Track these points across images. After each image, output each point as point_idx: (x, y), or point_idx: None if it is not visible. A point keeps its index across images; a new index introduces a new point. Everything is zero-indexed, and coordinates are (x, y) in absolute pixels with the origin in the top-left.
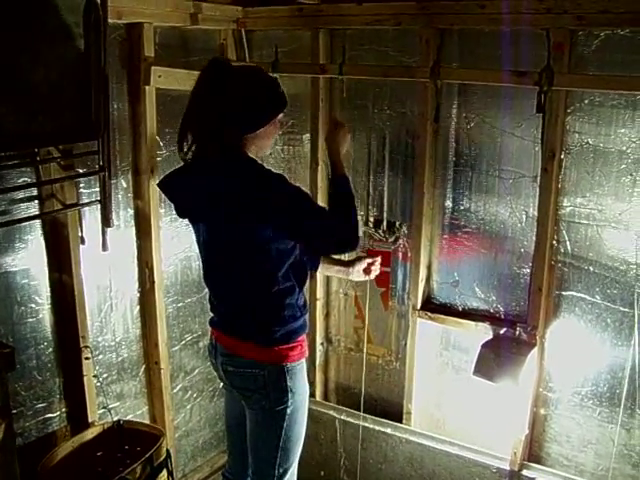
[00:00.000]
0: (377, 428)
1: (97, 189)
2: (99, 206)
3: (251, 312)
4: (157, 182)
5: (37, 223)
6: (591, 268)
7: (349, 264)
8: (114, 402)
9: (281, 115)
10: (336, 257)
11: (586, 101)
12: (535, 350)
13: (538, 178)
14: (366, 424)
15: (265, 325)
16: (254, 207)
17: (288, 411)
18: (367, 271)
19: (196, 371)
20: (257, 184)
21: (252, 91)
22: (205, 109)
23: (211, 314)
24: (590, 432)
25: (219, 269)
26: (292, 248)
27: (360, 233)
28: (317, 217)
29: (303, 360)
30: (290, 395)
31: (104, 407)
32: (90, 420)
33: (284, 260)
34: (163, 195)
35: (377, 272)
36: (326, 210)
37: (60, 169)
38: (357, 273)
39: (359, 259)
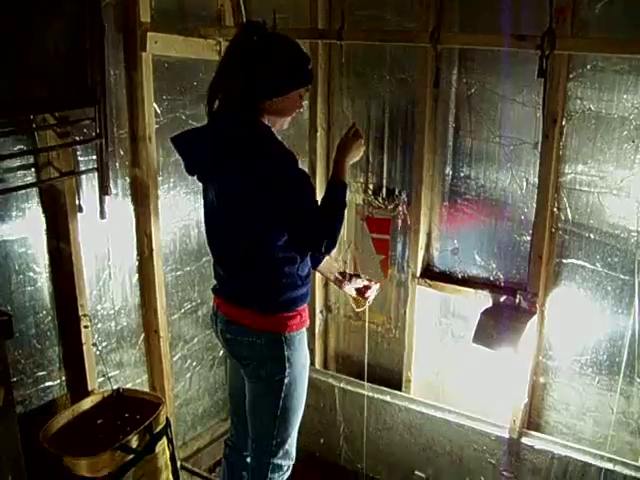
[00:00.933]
0: (376, 396)
1: (94, 157)
2: (96, 174)
3: (250, 278)
4: (171, 137)
5: (34, 191)
6: (592, 236)
7: (348, 276)
8: (114, 370)
9: (303, 91)
10: (337, 267)
11: (588, 66)
12: (535, 318)
13: (539, 145)
14: (365, 392)
15: (263, 292)
16: (255, 179)
17: (286, 381)
18: (362, 293)
19: (195, 340)
20: (263, 157)
21: (280, 57)
22: (232, 69)
23: (214, 281)
24: (589, 400)
25: (221, 232)
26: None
27: (333, 250)
28: (306, 208)
29: (303, 330)
30: (288, 365)
31: (104, 375)
32: (90, 388)
33: (286, 229)
34: (161, 162)
35: (372, 298)
36: (317, 206)
37: (56, 137)
38: (351, 289)
39: (358, 276)
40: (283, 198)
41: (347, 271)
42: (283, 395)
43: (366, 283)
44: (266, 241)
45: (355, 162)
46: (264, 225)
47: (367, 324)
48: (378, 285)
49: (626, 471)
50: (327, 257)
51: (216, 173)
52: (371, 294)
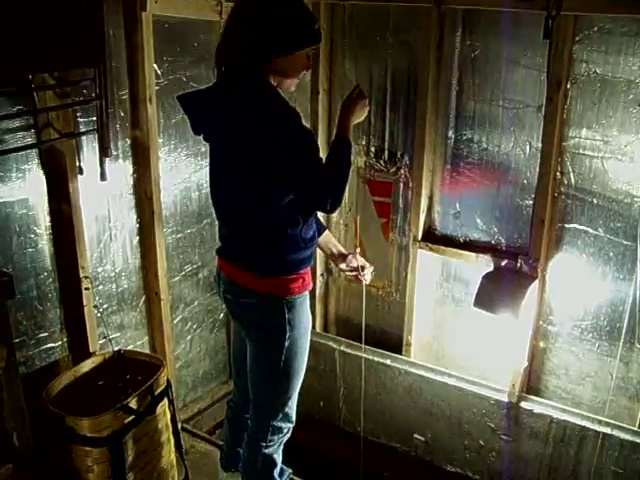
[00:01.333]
0: (376, 359)
1: (94, 118)
2: (96, 136)
3: (252, 240)
4: (177, 96)
5: (34, 153)
6: (595, 200)
7: (344, 254)
8: (115, 333)
9: (310, 51)
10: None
11: (595, 28)
12: (536, 283)
13: (543, 108)
14: (366, 355)
15: (265, 254)
16: (260, 140)
17: (286, 344)
18: (356, 272)
19: (196, 302)
20: (268, 118)
21: (285, 16)
22: (237, 28)
23: (217, 244)
24: (589, 365)
25: (225, 192)
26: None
27: (336, 211)
28: (311, 167)
29: (305, 293)
30: (289, 328)
31: (105, 337)
32: (91, 350)
33: (289, 190)
34: (162, 124)
35: (369, 278)
36: (322, 165)
37: (56, 97)
38: (345, 265)
39: (355, 255)
40: (288, 158)
41: (344, 250)
42: (283, 358)
43: (361, 263)
44: (269, 202)
45: (358, 123)
46: (267, 185)
47: (364, 287)
48: (372, 268)
49: (623, 435)
50: (327, 231)
51: (221, 133)
52: (367, 276)
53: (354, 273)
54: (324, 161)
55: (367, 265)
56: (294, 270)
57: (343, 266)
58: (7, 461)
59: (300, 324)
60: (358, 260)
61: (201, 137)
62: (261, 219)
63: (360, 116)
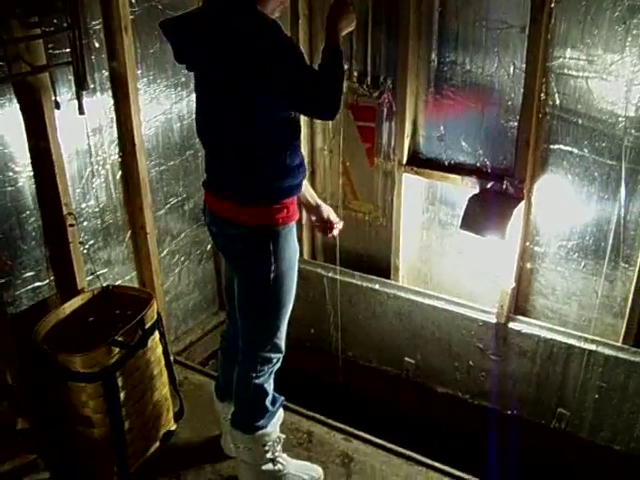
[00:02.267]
0: (365, 284)
1: (67, 50)
2: (71, 68)
3: (236, 168)
4: (159, 23)
5: (8, 87)
6: (580, 121)
7: (318, 205)
8: (102, 268)
9: None
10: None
11: None
12: (522, 204)
13: (527, 28)
14: (354, 281)
15: (247, 181)
16: (247, 60)
17: (272, 276)
18: (325, 225)
19: (182, 234)
20: (260, 34)
21: None
22: None
23: (202, 176)
24: (575, 284)
25: (211, 121)
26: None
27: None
28: (305, 71)
29: (291, 224)
30: (274, 259)
31: (92, 273)
32: (79, 287)
33: (274, 115)
34: (139, 55)
35: (336, 234)
36: (315, 72)
37: (22, 28)
38: (315, 217)
39: (329, 211)
40: (279, 72)
41: (319, 201)
42: (272, 289)
43: (332, 219)
44: (251, 126)
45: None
46: (253, 103)
47: (339, 209)
48: (342, 224)
49: (607, 351)
50: (305, 180)
51: (207, 58)
52: (335, 231)
53: (322, 226)
54: (318, 70)
55: (337, 221)
56: (278, 199)
57: (313, 218)
58: (2, 399)
59: (285, 256)
60: (330, 214)
61: (184, 66)
62: (244, 142)
63: (348, 24)
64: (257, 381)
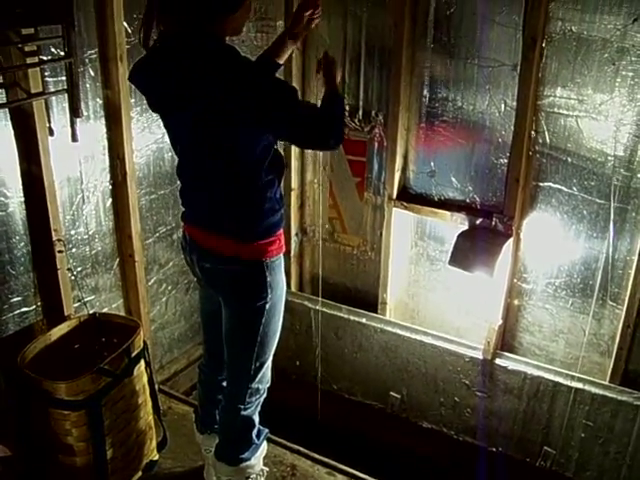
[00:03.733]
0: (352, 318)
1: (63, 78)
2: (66, 96)
3: (232, 207)
4: (127, 76)
5: (2, 113)
6: (569, 159)
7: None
8: (89, 295)
9: None
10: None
11: None
12: (511, 241)
13: (518, 67)
14: (341, 314)
15: (246, 220)
16: (239, 98)
17: (267, 307)
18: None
19: (170, 264)
20: (241, 75)
21: None
22: None
23: (182, 208)
24: (562, 322)
25: (198, 164)
26: (272, 140)
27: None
28: (304, 105)
29: (281, 255)
30: (269, 290)
31: (79, 300)
32: (66, 313)
33: (266, 153)
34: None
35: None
36: (313, 106)
37: (22, 56)
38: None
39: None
40: (279, 108)
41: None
42: (264, 321)
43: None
44: (250, 165)
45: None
46: (250, 145)
47: (320, 240)
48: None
49: (595, 390)
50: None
51: (187, 104)
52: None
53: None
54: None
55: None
56: (272, 233)
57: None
58: None
59: (278, 286)
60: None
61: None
62: (243, 185)
63: (338, 75)
64: (245, 413)
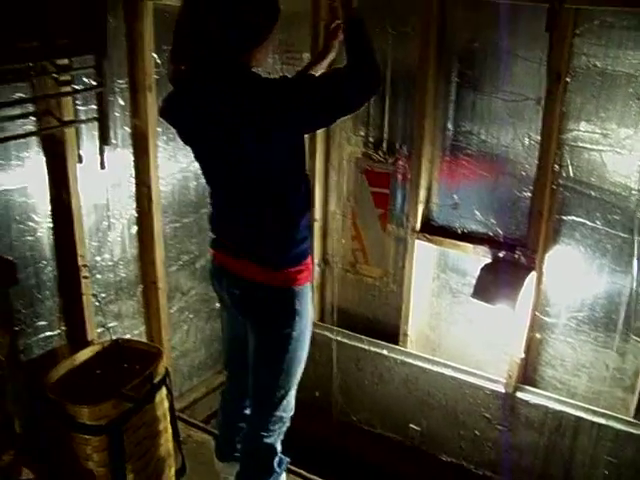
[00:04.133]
0: (373, 349)
1: (94, 107)
2: (96, 124)
3: (263, 233)
4: (159, 112)
5: (34, 141)
6: (592, 193)
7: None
8: (112, 322)
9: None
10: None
11: (596, 22)
12: (533, 274)
13: (542, 101)
14: (362, 345)
15: (277, 246)
16: (276, 113)
17: (294, 334)
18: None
19: (193, 292)
20: (273, 91)
21: (251, 4)
22: (202, 31)
23: (211, 235)
24: (584, 356)
25: (231, 192)
26: (301, 165)
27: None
28: (331, 81)
29: (309, 283)
30: (298, 318)
31: (102, 326)
32: (89, 339)
33: (299, 179)
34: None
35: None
36: (332, 72)
37: (56, 85)
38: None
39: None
40: (314, 89)
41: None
42: (290, 348)
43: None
44: (283, 189)
45: (357, 115)
46: (289, 177)
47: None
48: None
49: (618, 426)
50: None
51: (227, 137)
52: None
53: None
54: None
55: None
56: (301, 260)
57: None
58: (9, 448)
59: (307, 313)
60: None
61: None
62: (276, 214)
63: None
64: (267, 440)
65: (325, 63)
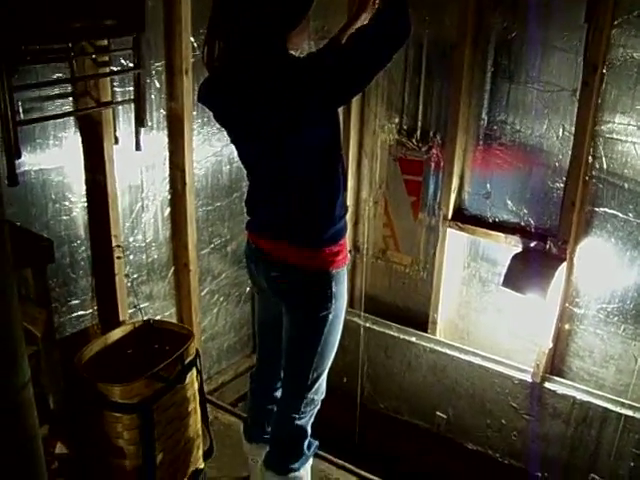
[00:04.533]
0: (402, 337)
1: (130, 89)
2: (132, 106)
3: (303, 212)
4: (197, 97)
5: (71, 121)
6: (626, 185)
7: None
8: (143, 302)
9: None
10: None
11: (635, 13)
12: (564, 265)
13: (577, 92)
14: (391, 332)
15: (316, 224)
16: (313, 88)
17: (330, 317)
18: None
19: (223, 275)
20: (304, 70)
21: None
22: (238, 13)
23: (247, 217)
24: (613, 348)
25: (267, 174)
26: (338, 141)
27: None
28: (360, 41)
29: (345, 267)
30: (334, 301)
31: (134, 306)
32: (121, 319)
33: (336, 155)
34: (196, 97)
35: None
36: (358, 32)
37: (94, 66)
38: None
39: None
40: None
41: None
42: (326, 331)
43: None
44: (320, 166)
45: (391, 102)
46: (327, 153)
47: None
48: None
49: None
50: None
51: (258, 114)
52: None
53: None
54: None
55: None
56: (338, 239)
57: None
58: (44, 422)
59: (342, 297)
60: None
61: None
62: (315, 192)
63: None
64: (299, 422)
65: (358, 24)
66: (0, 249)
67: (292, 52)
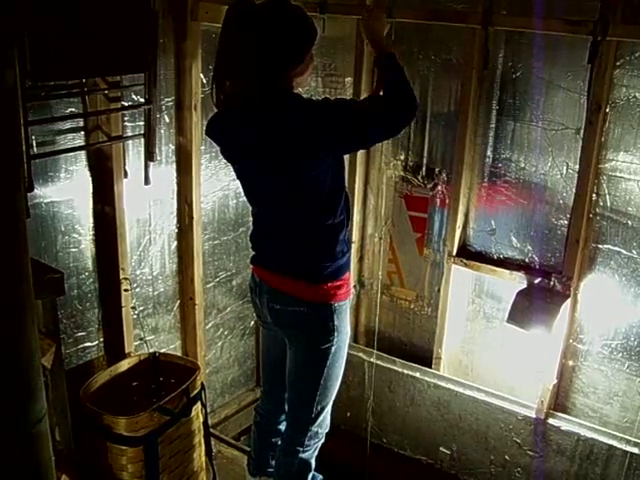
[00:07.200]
0: (406, 372)
1: (141, 123)
2: (142, 140)
3: (305, 248)
4: (205, 131)
5: (82, 154)
6: (629, 222)
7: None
8: (149, 335)
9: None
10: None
11: (637, 54)
12: (568, 301)
13: (581, 131)
14: (395, 367)
15: (318, 261)
16: (318, 132)
17: (332, 349)
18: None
19: (228, 309)
20: (315, 111)
21: (288, 25)
22: (243, 54)
23: (252, 252)
24: (617, 385)
25: (272, 209)
26: (342, 179)
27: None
28: (368, 108)
29: (348, 300)
30: (336, 334)
31: (140, 339)
32: (126, 351)
33: (340, 192)
34: (204, 133)
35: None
36: (374, 99)
37: (106, 101)
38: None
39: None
40: (354, 114)
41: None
42: (328, 363)
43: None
44: (324, 204)
45: (396, 140)
46: (329, 190)
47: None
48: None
49: None
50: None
51: (271, 155)
52: None
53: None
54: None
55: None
56: (340, 276)
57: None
58: None
59: (344, 330)
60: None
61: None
62: (316, 228)
63: (382, 24)
64: (303, 455)
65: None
66: (24, 284)
67: (297, 90)
